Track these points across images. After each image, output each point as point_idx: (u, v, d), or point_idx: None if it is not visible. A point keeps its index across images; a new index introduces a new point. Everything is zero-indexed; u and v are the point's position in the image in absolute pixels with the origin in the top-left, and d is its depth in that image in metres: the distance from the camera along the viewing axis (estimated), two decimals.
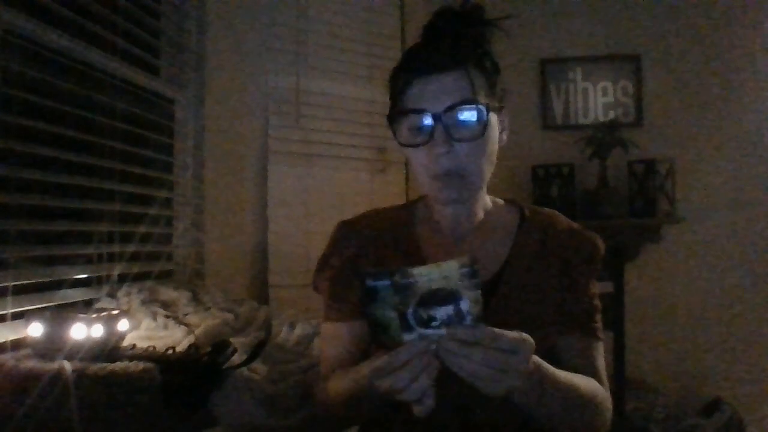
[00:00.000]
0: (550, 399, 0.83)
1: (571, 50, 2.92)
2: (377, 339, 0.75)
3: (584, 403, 0.90)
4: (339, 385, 0.95)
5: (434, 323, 0.71)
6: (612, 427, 0.97)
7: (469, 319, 0.71)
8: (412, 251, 0.99)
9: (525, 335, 0.74)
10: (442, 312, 0.71)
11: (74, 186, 1.32)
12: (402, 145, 0.94)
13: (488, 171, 0.95)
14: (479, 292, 0.70)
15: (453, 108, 0.88)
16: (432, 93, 0.89)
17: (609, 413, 0.95)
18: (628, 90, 2.88)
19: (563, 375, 0.86)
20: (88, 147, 1.37)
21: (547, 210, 1.06)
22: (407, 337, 0.72)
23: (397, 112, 0.93)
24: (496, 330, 0.72)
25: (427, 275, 0.70)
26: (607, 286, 2.53)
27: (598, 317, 0.99)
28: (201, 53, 1.81)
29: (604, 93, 2.91)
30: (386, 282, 0.70)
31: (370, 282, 0.71)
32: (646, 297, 2.81)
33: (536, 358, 0.79)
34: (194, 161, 1.80)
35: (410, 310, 0.71)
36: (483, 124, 0.90)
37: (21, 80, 1.14)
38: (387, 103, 0.98)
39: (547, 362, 0.95)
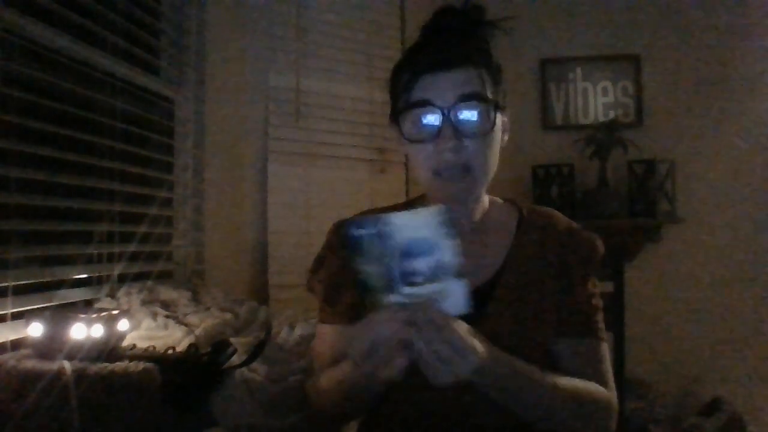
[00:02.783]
0: (528, 398, 0.84)
1: (571, 50, 2.92)
2: (365, 303, 0.75)
3: (577, 404, 0.89)
4: (326, 381, 0.96)
5: (416, 278, 0.72)
6: None
7: (449, 271, 0.72)
8: None
9: (478, 346, 0.75)
10: (423, 264, 0.71)
11: (74, 186, 1.32)
12: (408, 140, 0.92)
13: (492, 169, 0.94)
14: (457, 242, 0.71)
15: (462, 102, 0.87)
16: (440, 88, 0.88)
17: (612, 414, 0.94)
18: (628, 90, 2.88)
19: (548, 376, 0.86)
20: (88, 147, 1.37)
21: (545, 209, 1.05)
22: (392, 298, 0.73)
23: (402, 107, 0.91)
24: (455, 326, 0.73)
25: (406, 223, 0.71)
26: (607, 286, 2.52)
27: (599, 317, 0.98)
28: (201, 53, 1.81)
29: (604, 93, 2.91)
30: (369, 231, 0.71)
31: (354, 231, 0.71)
32: (646, 297, 2.81)
33: (499, 355, 0.80)
34: (194, 161, 1.80)
35: (393, 264, 0.72)
36: (491, 120, 0.89)
37: (21, 80, 1.14)
38: (387, 103, 0.97)
39: (547, 363, 0.95)
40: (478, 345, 0.76)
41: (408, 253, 0.71)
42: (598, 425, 0.92)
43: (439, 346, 0.72)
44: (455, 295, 0.73)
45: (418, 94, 0.89)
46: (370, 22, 2.39)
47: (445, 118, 0.87)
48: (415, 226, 0.71)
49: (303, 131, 2.18)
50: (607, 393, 0.94)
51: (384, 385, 0.86)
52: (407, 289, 0.73)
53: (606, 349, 0.98)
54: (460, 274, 0.72)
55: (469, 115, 0.88)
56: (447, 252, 0.71)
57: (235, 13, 1.96)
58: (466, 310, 0.74)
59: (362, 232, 0.71)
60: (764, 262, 2.77)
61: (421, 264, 0.72)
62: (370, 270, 0.72)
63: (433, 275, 0.72)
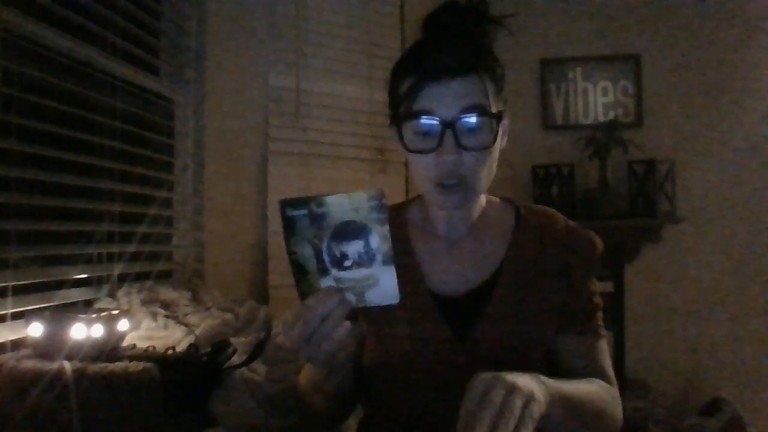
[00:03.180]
0: (570, 417, 0.81)
1: (571, 50, 2.92)
2: (299, 287, 0.75)
3: (598, 408, 0.88)
4: (301, 377, 0.97)
5: (347, 262, 0.72)
6: None
7: (379, 258, 0.71)
8: (404, 253, 0.97)
9: (536, 387, 0.72)
10: (353, 248, 0.71)
11: (74, 186, 1.32)
12: (408, 150, 0.90)
13: (491, 177, 0.93)
14: (387, 228, 0.70)
15: (464, 114, 0.85)
16: (443, 98, 0.86)
17: (620, 408, 0.94)
18: (628, 90, 2.88)
19: (572, 388, 0.84)
20: (88, 147, 1.37)
21: (543, 208, 1.04)
22: (324, 282, 0.73)
23: (404, 116, 0.89)
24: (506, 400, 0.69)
25: (339, 205, 0.70)
26: (607, 286, 2.53)
27: (599, 315, 0.98)
28: (201, 53, 1.81)
29: (604, 93, 2.91)
30: (303, 211, 0.71)
31: (289, 212, 0.71)
32: (646, 297, 2.81)
33: (548, 386, 0.77)
34: (194, 161, 1.80)
35: (324, 246, 0.72)
36: (494, 133, 0.88)
37: (21, 80, 1.14)
38: (387, 102, 0.95)
39: (547, 363, 0.95)
40: (535, 385, 0.73)
41: (338, 235, 0.71)
42: (613, 422, 0.93)
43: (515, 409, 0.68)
44: (384, 283, 0.72)
45: (419, 103, 0.87)
46: (370, 22, 2.39)
47: (447, 129, 0.86)
48: (347, 208, 0.70)
49: (303, 131, 2.18)
50: (612, 388, 0.95)
51: (335, 378, 0.85)
52: (337, 273, 0.73)
53: (606, 345, 0.99)
54: (389, 262, 0.71)
55: (471, 127, 0.87)
56: (377, 238, 0.71)
57: (235, 13, 1.96)
58: (396, 300, 0.73)
59: (296, 211, 0.71)
60: (764, 261, 2.77)
61: (351, 248, 0.71)
62: (302, 251, 0.72)
63: (363, 260, 0.72)
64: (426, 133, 0.88)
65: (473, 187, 0.90)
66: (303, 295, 0.74)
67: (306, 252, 0.72)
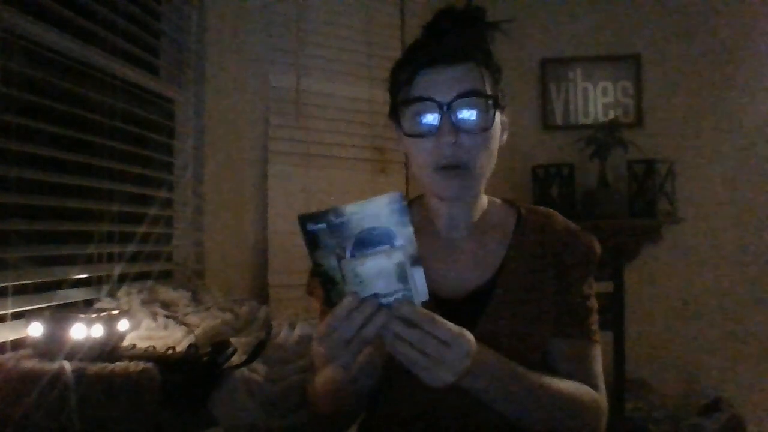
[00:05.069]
0: (514, 397, 0.83)
1: (571, 50, 2.92)
2: (328, 296, 0.74)
3: (565, 405, 0.88)
4: (318, 382, 0.96)
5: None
6: (612, 427, 0.96)
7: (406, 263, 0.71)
8: None
9: (466, 332, 0.74)
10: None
11: (74, 186, 1.32)
12: (407, 135, 0.92)
13: (490, 167, 0.94)
14: (411, 229, 0.70)
15: (461, 98, 0.87)
16: (440, 83, 0.88)
17: (601, 417, 0.93)
18: (628, 90, 2.88)
19: (534, 376, 0.85)
20: (88, 147, 1.37)
21: (544, 210, 1.04)
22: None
23: (402, 102, 0.92)
24: (437, 317, 0.72)
25: (358, 213, 0.70)
26: (607, 286, 2.53)
27: (594, 319, 0.98)
28: (201, 53, 1.81)
29: (604, 93, 2.91)
30: (322, 224, 0.70)
31: (309, 226, 0.70)
32: (646, 297, 2.81)
33: (490, 355, 0.79)
34: (194, 161, 1.80)
35: (348, 255, 0.71)
36: (491, 117, 0.90)
37: (21, 80, 1.14)
38: (387, 102, 0.97)
39: (543, 365, 0.95)
40: (467, 332, 0.75)
41: (362, 243, 0.71)
42: (585, 427, 0.92)
43: (425, 344, 0.71)
44: (415, 283, 0.72)
45: (417, 89, 0.90)
46: (370, 22, 2.39)
47: (444, 114, 0.87)
48: (367, 215, 0.70)
49: (303, 131, 2.18)
50: (596, 395, 0.94)
51: (364, 380, 0.84)
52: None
53: (599, 352, 0.98)
54: (417, 261, 0.71)
55: (468, 111, 0.89)
56: (401, 240, 0.70)
57: (235, 14, 1.96)
58: (427, 298, 0.73)
59: (316, 225, 0.70)
60: (764, 261, 2.77)
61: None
62: (327, 262, 0.72)
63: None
64: (424, 118, 0.90)
65: (472, 171, 0.91)
66: (332, 304, 0.74)
67: (332, 263, 0.72)
